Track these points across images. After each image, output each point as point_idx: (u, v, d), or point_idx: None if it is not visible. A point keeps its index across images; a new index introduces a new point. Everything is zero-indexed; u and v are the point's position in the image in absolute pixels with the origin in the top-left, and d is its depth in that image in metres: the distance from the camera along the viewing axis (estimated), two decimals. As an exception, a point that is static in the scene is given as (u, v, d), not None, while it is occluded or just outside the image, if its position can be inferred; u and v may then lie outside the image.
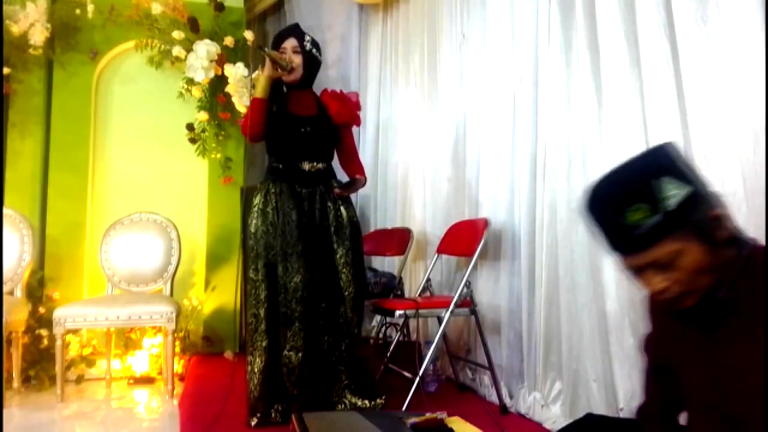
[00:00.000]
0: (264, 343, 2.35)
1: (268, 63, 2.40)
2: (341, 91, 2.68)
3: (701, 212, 1.01)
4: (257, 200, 2.45)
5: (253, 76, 2.47)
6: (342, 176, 2.66)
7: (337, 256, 2.45)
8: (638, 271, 1.06)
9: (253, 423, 2.31)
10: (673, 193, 0.99)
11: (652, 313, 1.25)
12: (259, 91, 2.39)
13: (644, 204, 1.00)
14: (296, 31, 2.55)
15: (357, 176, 2.60)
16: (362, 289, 2.51)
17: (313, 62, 2.54)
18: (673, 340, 1.17)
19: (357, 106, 2.67)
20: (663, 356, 1.22)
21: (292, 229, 2.38)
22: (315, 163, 2.49)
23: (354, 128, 2.74)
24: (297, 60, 2.48)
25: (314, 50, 2.54)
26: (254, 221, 2.42)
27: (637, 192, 1.01)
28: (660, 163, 1.03)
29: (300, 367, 2.32)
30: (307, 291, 2.35)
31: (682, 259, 1.00)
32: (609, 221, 1.05)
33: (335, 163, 2.62)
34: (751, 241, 1.07)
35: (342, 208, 2.50)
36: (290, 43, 2.50)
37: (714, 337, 1.06)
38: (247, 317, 2.41)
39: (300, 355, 2.32)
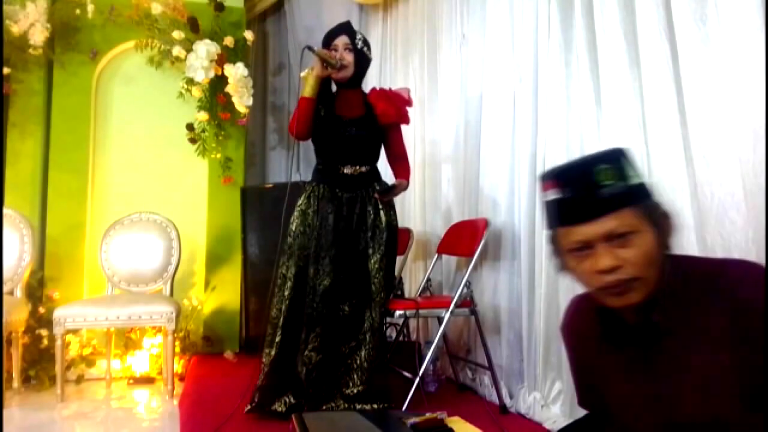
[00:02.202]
0: (278, 339, 2.38)
1: (317, 62, 2.40)
2: (390, 88, 2.66)
3: (656, 203, 1.03)
4: (301, 201, 2.49)
5: (302, 74, 2.47)
6: (387, 177, 2.64)
7: (372, 261, 2.45)
8: (586, 248, 1.01)
9: (246, 409, 2.35)
10: (634, 173, 1.03)
11: (576, 341, 1.22)
12: (308, 91, 2.40)
13: (613, 169, 1.01)
14: (348, 29, 2.54)
15: (398, 181, 2.57)
16: (390, 294, 2.52)
17: (363, 60, 2.55)
18: (602, 365, 1.15)
19: (407, 102, 2.62)
20: (592, 382, 1.19)
21: (327, 233, 2.41)
22: (358, 167, 2.50)
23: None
24: (348, 58, 2.48)
25: (365, 48, 2.55)
26: (295, 221, 2.46)
27: (607, 159, 1.03)
28: (622, 152, 1.06)
29: (319, 367, 2.34)
30: (334, 295, 2.38)
31: (638, 238, 0.99)
32: (576, 179, 1.03)
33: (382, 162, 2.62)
34: (676, 262, 1.06)
35: (382, 212, 2.49)
36: (342, 40, 2.50)
37: (651, 358, 1.05)
38: (271, 312, 2.44)
39: (321, 356, 2.35)
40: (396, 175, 2.63)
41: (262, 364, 2.41)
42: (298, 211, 2.47)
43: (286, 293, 2.39)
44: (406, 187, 2.60)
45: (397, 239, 2.56)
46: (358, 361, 2.39)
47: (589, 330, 1.16)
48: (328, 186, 2.47)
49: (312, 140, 2.53)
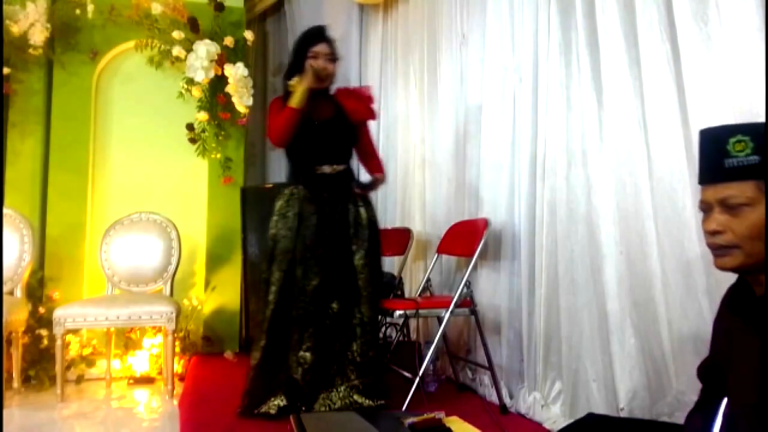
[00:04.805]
0: (262, 343, 2.41)
1: (311, 75, 2.44)
2: (354, 87, 2.69)
3: None
4: (279, 204, 2.50)
5: (292, 83, 2.50)
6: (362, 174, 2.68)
7: (356, 257, 2.47)
8: (707, 210, 1.09)
9: (237, 412, 2.37)
10: None
11: (718, 317, 1.26)
12: (297, 102, 2.43)
13: (751, 142, 1.04)
14: (327, 37, 2.56)
15: (377, 175, 2.63)
16: (380, 290, 2.54)
17: (338, 67, 2.59)
18: (725, 337, 1.19)
19: (371, 99, 2.68)
20: (715, 354, 1.24)
21: (311, 234, 2.42)
22: (336, 166, 2.52)
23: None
24: (331, 68, 2.52)
25: (339, 53, 2.60)
26: (275, 226, 2.46)
27: (750, 131, 1.05)
28: None
29: (314, 367, 2.36)
30: (323, 294, 2.40)
31: (752, 211, 1.04)
32: (711, 144, 1.10)
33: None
34: None
35: (361, 209, 2.53)
36: (323, 48, 2.51)
37: (757, 334, 1.07)
38: (257, 315, 2.47)
39: (314, 355, 2.36)
40: (372, 171, 2.68)
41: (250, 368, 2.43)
42: (278, 215, 2.47)
43: (270, 297, 2.41)
44: (384, 181, 2.67)
45: (379, 234, 2.60)
46: (350, 357, 2.42)
47: (726, 297, 1.23)
48: (307, 187, 2.49)
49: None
